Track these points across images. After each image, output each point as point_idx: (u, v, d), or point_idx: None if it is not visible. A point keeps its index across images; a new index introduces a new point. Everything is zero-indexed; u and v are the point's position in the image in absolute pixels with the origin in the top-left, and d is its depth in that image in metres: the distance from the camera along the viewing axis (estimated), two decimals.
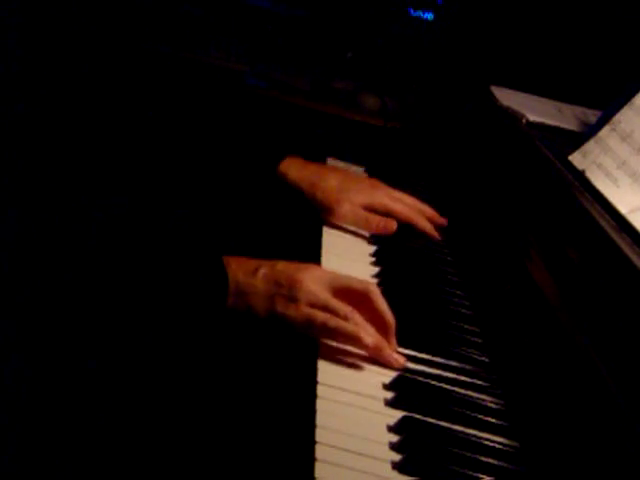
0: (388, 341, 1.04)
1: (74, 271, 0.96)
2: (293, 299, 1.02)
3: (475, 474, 0.88)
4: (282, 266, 1.05)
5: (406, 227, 1.38)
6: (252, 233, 1.40)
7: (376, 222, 1.34)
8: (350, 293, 1.05)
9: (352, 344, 1.02)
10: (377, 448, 0.89)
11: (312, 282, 1.03)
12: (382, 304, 1.05)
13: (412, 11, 1.92)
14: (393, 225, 1.34)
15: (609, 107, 1.28)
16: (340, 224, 1.35)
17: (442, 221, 1.41)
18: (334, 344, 1.03)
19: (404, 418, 0.93)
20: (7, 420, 0.96)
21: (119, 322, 0.98)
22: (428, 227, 1.38)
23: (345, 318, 1.01)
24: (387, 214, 1.36)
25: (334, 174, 1.38)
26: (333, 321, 1.01)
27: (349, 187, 1.35)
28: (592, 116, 1.47)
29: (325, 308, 1.02)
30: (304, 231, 1.36)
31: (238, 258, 1.06)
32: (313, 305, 1.02)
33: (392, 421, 0.93)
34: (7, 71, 1.06)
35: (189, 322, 1.01)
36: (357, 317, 1.02)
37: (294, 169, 1.36)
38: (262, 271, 1.03)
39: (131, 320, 0.99)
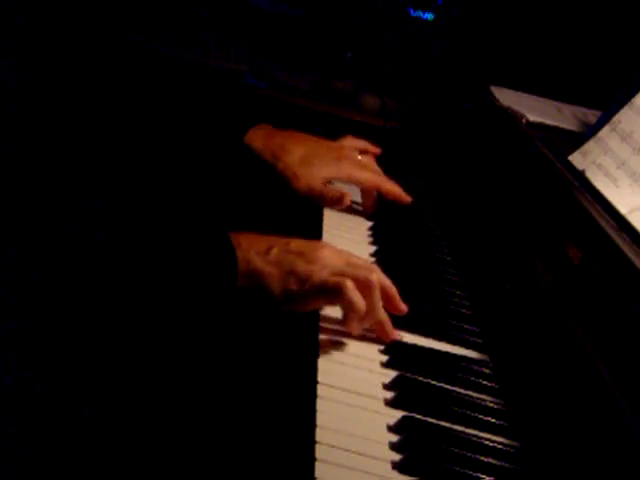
0: (396, 305, 1.08)
1: (78, 257, 0.95)
2: (308, 276, 1.01)
3: (475, 474, 0.88)
4: (296, 244, 1.04)
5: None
6: (254, 212, 1.38)
7: (329, 196, 1.33)
8: None
9: (367, 315, 1.03)
10: (377, 448, 0.89)
11: (329, 256, 1.04)
12: (385, 280, 1.07)
13: (412, 11, 1.92)
14: (347, 199, 1.33)
15: (609, 107, 1.28)
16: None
17: (407, 199, 1.41)
18: (335, 344, 1.03)
19: (404, 418, 0.93)
20: (7, 420, 0.96)
21: (124, 309, 0.97)
22: (396, 190, 1.38)
23: (365, 280, 1.02)
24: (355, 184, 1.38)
25: (299, 145, 1.35)
26: (351, 285, 1.01)
27: (312, 161, 1.33)
28: (592, 116, 1.48)
29: (343, 274, 1.02)
30: (306, 210, 1.35)
31: (248, 236, 1.04)
32: (331, 272, 1.02)
33: (392, 421, 0.93)
34: (6, 71, 1.06)
35: (198, 305, 1.00)
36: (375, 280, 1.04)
37: (259, 139, 1.34)
38: (275, 250, 1.02)
39: (136, 309, 0.97)
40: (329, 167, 1.34)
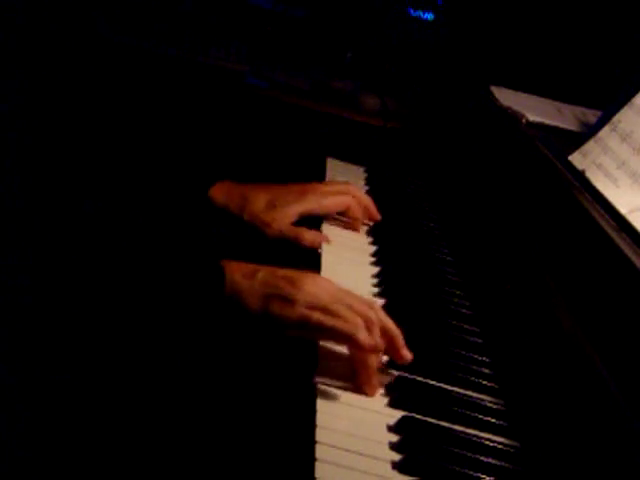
0: (399, 353, 1.01)
1: (70, 269, 0.95)
2: (290, 300, 0.99)
3: (475, 474, 0.88)
4: (283, 272, 1.03)
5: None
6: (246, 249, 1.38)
7: (305, 240, 1.30)
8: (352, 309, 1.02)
9: (350, 344, 1.00)
10: (377, 448, 0.89)
11: (313, 286, 1.01)
12: (386, 320, 1.02)
13: (412, 11, 1.93)
14: (321, 239, 1.31)
15: (609, 107, 1.28)
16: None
17: (374, 214, 1.40)
18: (335, 345, 1.03)
19: (404, 418, 0.93)
20: (6, 419, 0.96)
21: (116, 316, 0.97)
22: (359, 214, 1.37)
23: (345, 320, 0.99)
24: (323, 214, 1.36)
25: (262, 192, 1.32)
26: (330, 321, 0.98)
27: (276, 204, 1.31)
28: (592, 116, 1.48)
29: (324, 310, 0.99)
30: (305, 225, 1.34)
31: (238, 262, 1.04)
32: (311, 307, 0.99)
33: (392, 421, 0.93)
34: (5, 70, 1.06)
35: (185, 320, 1.00)
36: (358, 320, 0.99)
37: (221, 194, 1.31)
38: (261, 274, 1.01)
39: (127, 317, 0.98)
40: (295, 204, 1.31)
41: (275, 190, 1.33)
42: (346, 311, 0.99)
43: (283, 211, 1.30)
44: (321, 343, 1.03)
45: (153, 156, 1.36)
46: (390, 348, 1.01)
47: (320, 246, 1.29)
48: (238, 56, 1.85)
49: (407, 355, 1.01)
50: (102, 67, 1.37)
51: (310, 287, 1.00)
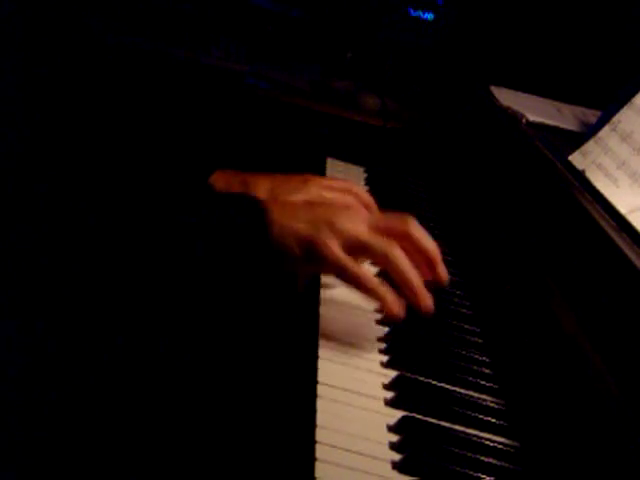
0: (438, 272, 1.05)
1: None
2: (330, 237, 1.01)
3: (475, 474, 0.88)
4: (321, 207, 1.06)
5: None
6: None
7: None
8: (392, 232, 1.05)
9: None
10: (377, 448, 0.89)
11: (349, 221, 1.04)
12: (424, 239, 1.04)
13: (412, 11, 1.93)
14: None
15: (609, 107, 1.28)
16: None
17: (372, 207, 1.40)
18: (335, 344, 1.03)
19: (404, 418, 0.93)
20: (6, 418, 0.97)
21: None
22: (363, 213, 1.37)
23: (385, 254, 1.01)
24: None
25: (262, 181, 1.30)
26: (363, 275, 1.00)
27: (279, 191, 1.28)
28: (592, 116, 1.47)
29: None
30: None
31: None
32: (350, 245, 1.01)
33: (392, 421, 0.93)
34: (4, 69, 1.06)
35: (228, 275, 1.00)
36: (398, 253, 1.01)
37: (221, 181, 1.32)
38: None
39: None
40: (296, 194, 1.27)
41: (276, 179, 1.31)
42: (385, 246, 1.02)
43: (287, 199, 1.26)
44: (322, 341, 1.03)
45: (153, 156, 1.36)
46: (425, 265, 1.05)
47: None
48: (238, 56, 1.85)
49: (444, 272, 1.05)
50: (101, 67, 1.37)
51: (346, 222, 1.04)
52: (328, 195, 1.31)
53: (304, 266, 1.03)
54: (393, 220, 1.06)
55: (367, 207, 1.39)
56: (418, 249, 1.04)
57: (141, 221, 0.99)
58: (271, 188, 1.29)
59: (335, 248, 1.01)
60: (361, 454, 0.87)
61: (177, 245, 0.98)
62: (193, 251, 0.98)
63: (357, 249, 1.02)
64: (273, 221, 1.02)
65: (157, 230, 0.98)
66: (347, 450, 0.87)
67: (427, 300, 1.02)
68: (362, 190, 1.41)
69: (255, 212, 1.03)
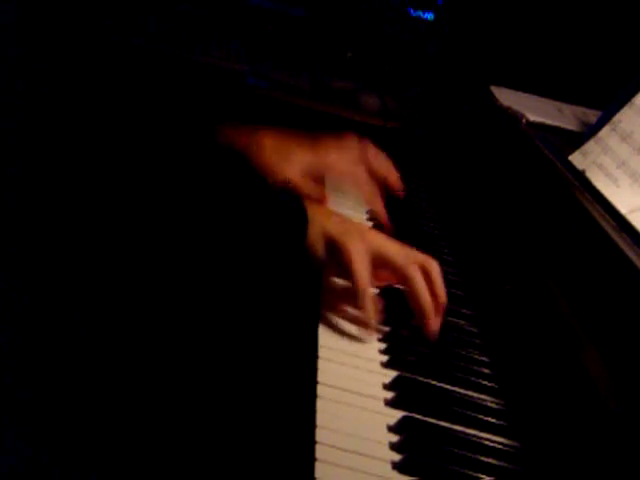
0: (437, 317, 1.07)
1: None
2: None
3: (475, 474, 0.88)
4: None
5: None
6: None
7: (308, 192, 1.22)
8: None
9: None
10: (377, 448, 0.89)
11: (379, 237, 1.08)
12: (440, 287, 1.09)
13: (412, 11, 1.93)
14: (324, 196, 1.27)
15: (609, 107, 1.28)
16: None
17: (396, 183, 1.36)
18: (334, 343, 1.04)
19: (404, 418, 0.93)
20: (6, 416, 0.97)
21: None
22: (367, 191, 1.33)
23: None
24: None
25: (268, 136, 1.24)
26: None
27: (282, 149, 1.23)
28: (592, 116, 1.47)
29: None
30: None
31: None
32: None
33: (392, 421, 0.93)
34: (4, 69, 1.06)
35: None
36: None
37: (226, 134, 1.23)
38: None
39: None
40: (303, 153, 1.24)
41: (284, 136, 1.26)
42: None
43: (289, 158, 1.23)
44: (322, 341, 1.03)
45: (153, 156, 1.36)
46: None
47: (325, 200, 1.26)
48: (238, 56, 1.84)
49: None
50: (101, 67, 1.37)
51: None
52: (336, 165, 1.29)
53: (322, 264, 1.06)
54: (420, 253, 1.10)
55: (381, 179, 1.36)
56: (431, 291, 1.07)
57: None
58: (276, 146, 1.23)
59: (360, 256, 1.04)
60: (361, 454, 0.87)
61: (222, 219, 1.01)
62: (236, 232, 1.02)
63: (380, 261, 1.06)
64: (310, 218, 1.05)
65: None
66: (347, 450, 0.87)
67: (434, 327, 1.06)
68: (377, 156, 1.34)
69: (299, 207, 1.05)
